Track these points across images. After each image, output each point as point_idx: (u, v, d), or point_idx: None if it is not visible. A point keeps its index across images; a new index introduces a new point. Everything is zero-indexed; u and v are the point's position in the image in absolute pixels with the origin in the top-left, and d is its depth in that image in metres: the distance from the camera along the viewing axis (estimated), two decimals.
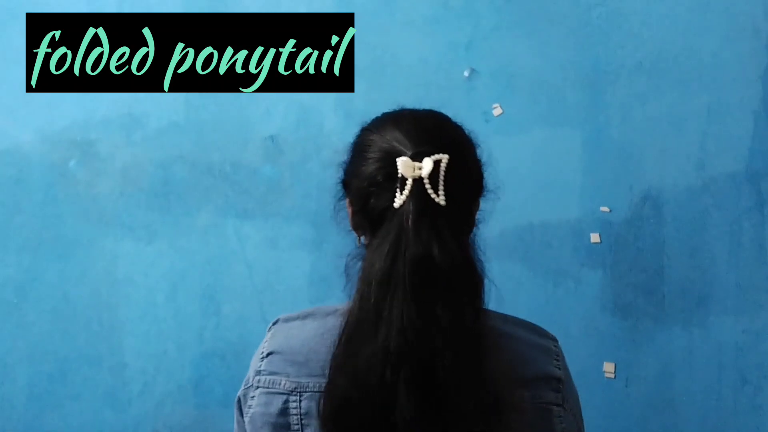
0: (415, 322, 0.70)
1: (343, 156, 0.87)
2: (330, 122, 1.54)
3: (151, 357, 1.57)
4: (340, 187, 0.86)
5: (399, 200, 0.74)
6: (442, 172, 0.75)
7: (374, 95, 1.55)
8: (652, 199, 1.51)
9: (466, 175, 0.81)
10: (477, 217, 0.88)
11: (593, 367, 1.50)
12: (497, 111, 1.55)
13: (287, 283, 1.56)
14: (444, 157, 0.75)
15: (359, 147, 0.83)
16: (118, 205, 1.59)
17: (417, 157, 0.75)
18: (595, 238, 1.51)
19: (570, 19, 1.54)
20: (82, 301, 1.58)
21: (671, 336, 1.49)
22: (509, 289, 1.51)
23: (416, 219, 0.73)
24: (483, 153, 0.86)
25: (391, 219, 0.74)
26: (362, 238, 0.84)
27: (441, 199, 0.74)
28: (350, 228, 0.86)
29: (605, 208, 1.52)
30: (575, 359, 1.49)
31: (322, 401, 0.74)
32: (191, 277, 1.58)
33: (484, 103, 1.55)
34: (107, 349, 1.58)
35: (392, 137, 0.78)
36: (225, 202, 1.58)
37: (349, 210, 0.85)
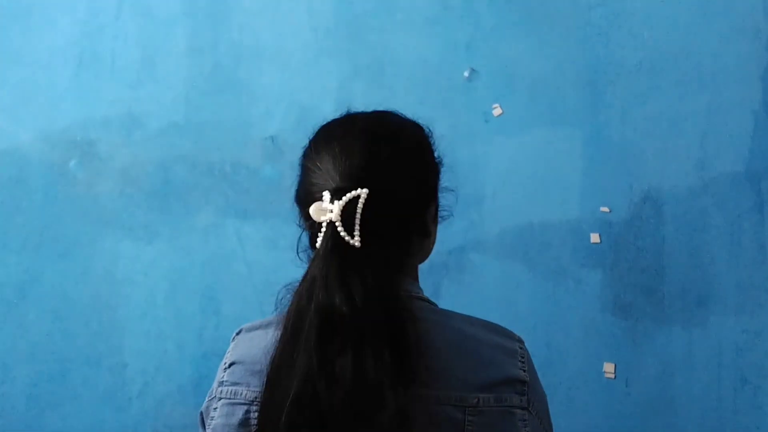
0: (316, 372, 0.70)
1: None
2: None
3: (151, 357, 1.57)
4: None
5: (318, 243, 0.74)
6: (358, 212, 0.73)
7: (374, 95, 1.55)
8: (652, 199, 1.51)
9: (398, 201, 0.78)
10: (442, 214, 0.87)
11: (593, 367, 1.50)
12: (497, 111, 1.54)
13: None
14: (363, 193, 0.73)
15: (300, 167, 0.83)
16: (118, 205, 1.59)
17: (336, 195, 0.74)
18: (595, 238, 1.51)
19: (570, 19, 1.54)
20: (82, 301, 1.58)
21: (671, 336, 1.49)
22: (509, 289, 1.51)
23: (324, 265, 0.72)
24: (443, 152, 0.85)
25: (312, 262, 0.75)
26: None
27: (356, 241, 0.73)
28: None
29: (605, 208, 1.52)
30: (575, 359, 1.50)
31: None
32: (191, 277, 1.58)
33: (484, 103, 1.55)
34: (107, 349, 1.58)
35: (322, 167, 0.78)
36: (225, 202, 1.58)
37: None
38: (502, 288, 1.52)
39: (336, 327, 0.71)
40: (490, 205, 1.53)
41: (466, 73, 1.55)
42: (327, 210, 0.73)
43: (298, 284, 0.76)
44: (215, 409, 0.82)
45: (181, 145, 1.59)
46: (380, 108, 0.89)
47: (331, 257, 0.73)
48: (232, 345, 0.86)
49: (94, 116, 1.60)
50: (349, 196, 0.73)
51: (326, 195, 0.75)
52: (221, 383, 0.83)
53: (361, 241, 0.73)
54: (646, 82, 1.52)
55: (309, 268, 0.75)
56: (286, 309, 0.75)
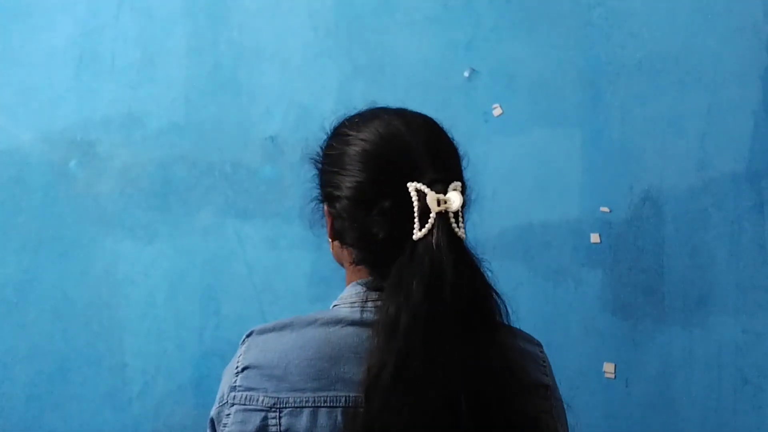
0: (471, 357, 0.69)
1: (318, 155, 0.83)
2: (330, 122, 1.54)
3: (151, 357, 1.57)
4: (316, 190, 0.83)
5: (420, 233, 0.71)
6: (461, 205, 0.73)
7: (374, 95, 1.54)
8: (652, 199, 1.51)
9: (467, 199, 0.78)
10: None
11: (593, 367, 1.50)
12: (497, 111, 1.54)
13: (287, 283, 1.56)
14: (460, 186, 0.73)
15: (341, 154, 0.79)
16: (118, 205, 1.59)
17: (436, 185, 0.72)
18: (595, 238, 1.51)
19: (570, 19, 1.54)
20: (82, 301, 1.58)
21: (671, 336, 1.49)
22: (509, 289, 1.50)
23: (448, 251, 0.70)
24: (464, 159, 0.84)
25: (413, 251, 0.71)
26: (338, 243, 0.82)
27: (462, 233, 0.72)
28: (327, 233, 0.83)
29: (605, 208, 1.52)
30: (575, 359, 1.50)
31: (350, 419, 0.71)
32: (191, 277, 1.58)
33: (484, 103, 1.55)
34: (107, 349, 1.58)
35: (390, 149, 0.75)
36: (225, 202, 1.58)
37: (329, 219, 0.82)
38: (502, 288, 1.51)
39: (478, 308, 0.71)
40: (490, 205, 1.53)
41: (466, 73, 1.55)
42: (441, 200, 0.72)
43: (390, 279, 0.72)
44: (228, 415, 0.78)
45: (181, 145, 1.59)
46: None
47: (450, 245, 0.71)
48: (243, 348, 0.80)
49: (94, 116, 1.60)
50: (455, 187, 0.73)
51: (422, 185, 0.72)
52: (234, 388, 0.78)
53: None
54: (646, 82, 1.52)
55: (406, 257, 0.71)
56: (388, 307, 0.71)
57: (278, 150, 1.57)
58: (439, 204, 0.71)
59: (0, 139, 1.60)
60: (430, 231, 0.71)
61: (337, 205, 0.78)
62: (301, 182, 1.56)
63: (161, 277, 1.58)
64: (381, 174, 0.75)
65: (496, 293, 0.74)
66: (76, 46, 1.61)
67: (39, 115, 1.60)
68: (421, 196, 0.72)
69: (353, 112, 0.84)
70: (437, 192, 0.72)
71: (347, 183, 0.76)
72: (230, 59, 1.60)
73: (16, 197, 1.59)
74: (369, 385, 0.70)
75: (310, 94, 1.57)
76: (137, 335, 1.58)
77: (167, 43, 1.60)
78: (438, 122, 0.82)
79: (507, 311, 0.75)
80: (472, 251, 0.75)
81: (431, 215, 0.71)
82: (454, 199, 0.72)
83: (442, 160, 0.75)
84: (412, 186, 0.72)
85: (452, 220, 0.72)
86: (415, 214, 0.71)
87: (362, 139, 0.77)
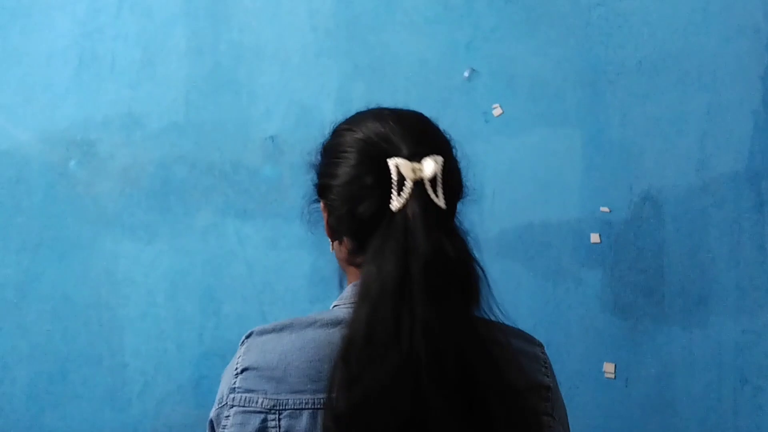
0: (437, 322, 0.68)
1: (315, 157, 0.84)
2: (330, 122, 1.54)
3: (151, 357, 1.57)
4: (313, 190, 0.83)
5: (398, 203, 0.72)
6: (440, 174, 0.73)
7: (374, 95, 1.55)
8: (652, 199, 1.51)
9: (456, 176, 0.79)
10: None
11: (593, 367, 1.50)
12: (497, 111, 1.54)
13: (287, 283, 1.56)
14: (440, 159, 0.74)
15: (335, 146, 0.80)
16: (118, 205, 1.59)
17: (414, 158, 0.73)
18: (595, 238, 1.51)
19: (570, 19, 1.54)
20: (82, 301, 1.58)
21: (671, 336, 1.49)
22: (509, 289, 1.51)
23: (423, 219, 0.70)
24: (460, 156, 0.84)
25: (390, 222, 0.72)
26: (337, 243, 0.82)
27: (441, 202, 0.73)
28: (326, 233, 0.83)
29: (605, 208, 1.52)
30: (575, 359, 1.50)
31: (324, 418, 0.70)
32: (191, 277, 1.58)
33: (484, 103, 1.55)
34: (107, 349, 1.58)
35: (375, 134, 0.76)
36: (225, 202, 1.58)
37: (325, 215, 0.82)
38: (502, 288, 1.51)
39: (449, 275, 0.70)
40: (490, 205, 1.53)
41: (466, 73, 1.55)
42: (416, 168, 0.72)
43: (366, 254, 0.72)
44: (227, 417, 0.78)
45: (181, 145, 1.59)
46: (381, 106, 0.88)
47: (426, 213, 0.71)
48: (242, 349, 0.80)
49: (94, 116, 1.60)
50: (434, 158, 0.73)
51: (400, 158, 0.73)
52: (233, 390, 0.78)
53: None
54: (646, 82, 1.52)
55: (383, 228, 0.72)
56: (363, 280, 0.71)
57: (278, 150, 1.57)
58: (415, 173, 0.72)
59: (0, 139, 1.60)
60: (407, 201, 0.72)
61: (331, 196, 0.79)
62: (301, 182, 1.56)
63: (161, 277, 1.58)
64: (366, 155, 0.76)
65: (477, 263, 0.74)
66: (76, 46, 1.61)
67: (39, 115, 1.60)
68: (399, 167, 0.73)
69: (353, 113, 0.86)
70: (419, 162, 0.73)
71: (339, 170, 0.78)
72: (230, 59, 1.60)
73: (16, 197, 1.59)
74: (343, 349, 0.71)
75: (310, 94, 1.57)
76: (137, 335, 1.58)
77: (167, 43, 1.60)
78: (430, 118, 0.83)
79: (488, 284, 0.74)
80: (458, 224, 0.76)
81: (407, 184, 0.72)
82: (427, 165, 0.72)
83: (425, 138, 0.77)
84: (391, 161, 0.73)
85: (429, 188, 0.72)
86: (394, 186, 0.72)
87: (354, 130, 0.79)
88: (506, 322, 0.81)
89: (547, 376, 0.80)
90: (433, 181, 0.73)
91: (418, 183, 0.72)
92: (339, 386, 0.70)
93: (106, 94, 1.60)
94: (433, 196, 0.72)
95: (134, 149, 1.59)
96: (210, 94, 1.59)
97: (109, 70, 1.60)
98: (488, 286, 0.75)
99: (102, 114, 1.60)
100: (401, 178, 0.72)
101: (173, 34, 1.60)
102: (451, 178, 0.76)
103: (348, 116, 0.85)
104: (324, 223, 0.83)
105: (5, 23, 1.60)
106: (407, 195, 0.72)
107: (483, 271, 0.75)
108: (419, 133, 0.77)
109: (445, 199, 0.73)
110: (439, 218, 0.72)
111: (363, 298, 0.71)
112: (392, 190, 0.72)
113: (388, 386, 0.68)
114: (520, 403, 0.73)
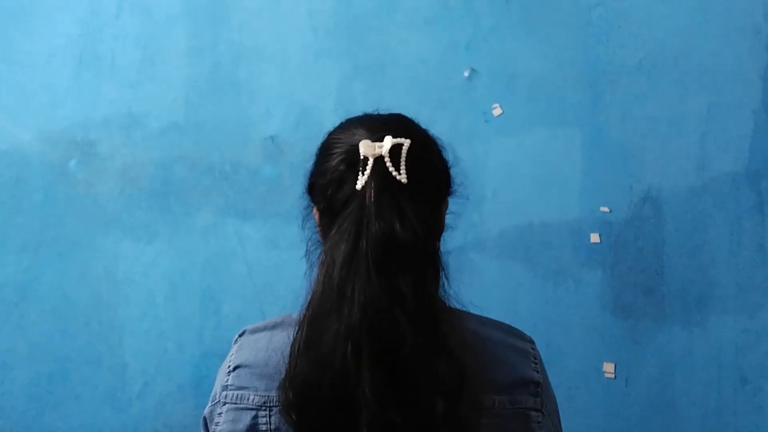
0: (378, 297, 0.69)
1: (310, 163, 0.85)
2: (330, 122, 1.52)
3: (151, 357, 1.57)
4: (306, 195, 0.85)
5: (361, 181, 0.73)
6: (404, 152, 0.74)
7: (374, 95, 1.55)
8: (652, 199, 1.51)
9: (430, 163, 0.79)
10: (447, 221, 0.86)
11: (593, 367, 1.50)
12: (497, 111, 1.54)
13: (287, 283, 1.56)
14: (405, 141, 0.75)
15: (323, 148, 0.82)
16: (118, 205, 1.59)
17: (377, 139, 0.75)
18: (595, 238, 1.51)
19: (570, 19, 1.54)
20: (82, 301, 1.58)
21: (671, 336, 1.49)
22: (509, 289, 1.51)
23: (378, 195, 0.72)
24: (450, 156, 0.85)
25: (353, 201, 0.73)
26: None
27: (402, 177, 0.73)
28: (320, 237, 0.83)
29: (605, 208, 1.52)
30: (575, 359, 1.50)
31: (283, 391, 0.72)
32: (191, 277, 1.58)
33: (484, 103, 1.55)
34: (107, 349, 1.58)
35: (355, 131, 0.78)
36: (225, 202, 1.58)
37: (317, 216, 0.83)
38: (502, 288, 1.52)
39: (396, 253, 0.70)
40: (490, 205, 1.53)
41: (466, 73, 1.55)
42: (376, 146, 0.74)
43: (334, 228, 0.74)
44: (220, 414, 0.79)
45: (181, 145, 1.59)
46: (381, 108, 0.88)
47: (383, 188, 0.72)
48: (235, 348, 0.83)
49: (94, 116, 1.60)
50: (395, 138, 0.74)
51: (364, 140, 0.75)
52: (225, 387, 0.80)
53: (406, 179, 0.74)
54: (646, 82, 1.52)
55: (347, 208, 0.73)
56: (322, 256, 0.74)
57: (278, 150, 1.57)
58: (375, 149, 0.74)
59: (0, 139, 1.60)
60: (369, 177, 0.73)
61: (317, 192, 0.80)
62: (301, 182, 1.56)
63: (161, 277, 1.58)
64: (344, 150, 0.78)
65: (434, 250, 0.75)
66: (76, 46, 1.61)
67: (39, 115, 1.60)
68: (361, 147, 0.74)
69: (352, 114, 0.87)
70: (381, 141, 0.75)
71: (323, 168, 0.79)
72: (230, 59, 1.60)
73: (16, 197, 1.59)
74: (300, 321, 0.74)
75: (310, 94, 1.57)
76: (137, 335, 1.58)
77: (167, 43, 1.60)
78: (413, 119, 0.85)
79: (446, 274, 0.75)
80: (422, 200, 0.76)
81: (369, 162, 0.73)
82: (387, 140, 0.74)
83: (393, 124, 0.78)
84: (360, 144, 0.74)
85: (389, 164, 0.73)
86: (360, 167, 0.74)
87: (339, 133, 0.81)
88: (483, 315, 0.83)
89: (537, 372, 0.80)
90: (393, 155, 0.74)
91: (378, 159, 0.73)
92: (292, 360, 0.72)
93: (106, 94, 1.60)
94: (392, 169, 0.73)
95: (134, 149, 1.59)
96: (210, 94, 1.59)
97: (109, 70, 1.60)
98: (446, 276, 0.75)
99: (102, 114, 1.60)
100: (365, 159, 0.74)
101: (173, 34, 1.60)
102: (422, 161, 0.76)
103: (343, 120, 0.86)
104: (317, 227, 0.84)
105: (5, 23, 1.60)
106: (368, 172, 0.73)
107: (440, 258, 0.75)
108: (389, 121, 0.79)
109: (409, 176, 0.74)
110: (398, 195, 0.73)
111: (319, 274, 0.73)
112: (359, 172, 0.74)
113: (327, 354, 0.69)
114: (498, 399, 0.74)
